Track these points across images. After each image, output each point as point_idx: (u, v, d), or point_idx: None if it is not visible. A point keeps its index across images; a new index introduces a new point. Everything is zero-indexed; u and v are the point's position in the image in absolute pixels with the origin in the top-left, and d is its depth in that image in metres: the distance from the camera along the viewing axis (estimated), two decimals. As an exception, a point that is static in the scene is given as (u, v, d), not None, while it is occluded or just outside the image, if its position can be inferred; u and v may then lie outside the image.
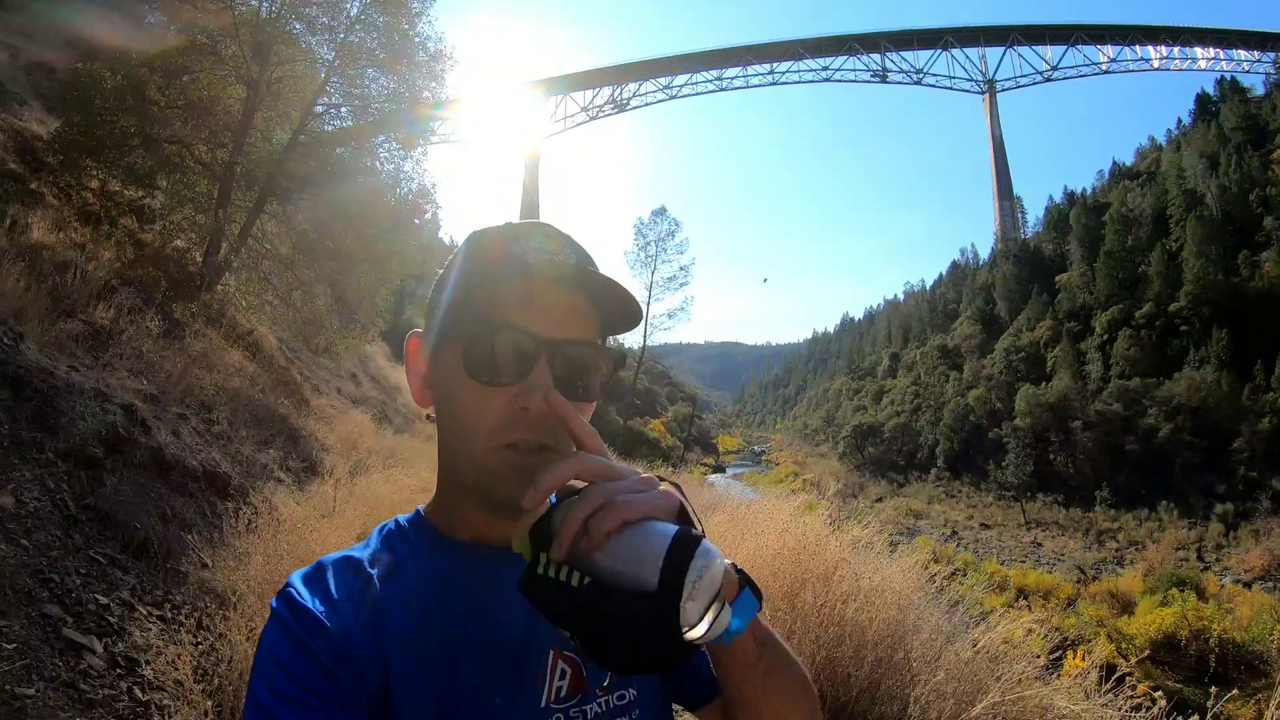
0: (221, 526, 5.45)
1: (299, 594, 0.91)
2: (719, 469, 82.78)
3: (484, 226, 1.06)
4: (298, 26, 13.30)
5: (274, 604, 0.91)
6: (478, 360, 0.93)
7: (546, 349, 0.93)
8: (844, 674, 3.96)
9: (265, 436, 9.15)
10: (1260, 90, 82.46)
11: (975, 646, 4.14)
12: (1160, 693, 4.29)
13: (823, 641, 4.00)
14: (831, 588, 4.30)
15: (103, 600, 4.12)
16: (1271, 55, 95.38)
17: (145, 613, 4.30)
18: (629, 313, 1.02)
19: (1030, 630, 4.51)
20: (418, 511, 1.06)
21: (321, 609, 0.90)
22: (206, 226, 12.35)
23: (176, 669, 3.61)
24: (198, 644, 4.03)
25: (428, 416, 28.90)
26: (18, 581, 3.73)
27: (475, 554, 1.00)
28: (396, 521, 1.05)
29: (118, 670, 3.77)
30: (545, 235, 1.02)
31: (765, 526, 5.26)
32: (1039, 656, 4.38)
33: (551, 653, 1.00)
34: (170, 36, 12.42)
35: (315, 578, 0.94)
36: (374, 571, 0.96)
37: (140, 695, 3.70)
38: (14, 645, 3.38)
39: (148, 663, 3.81)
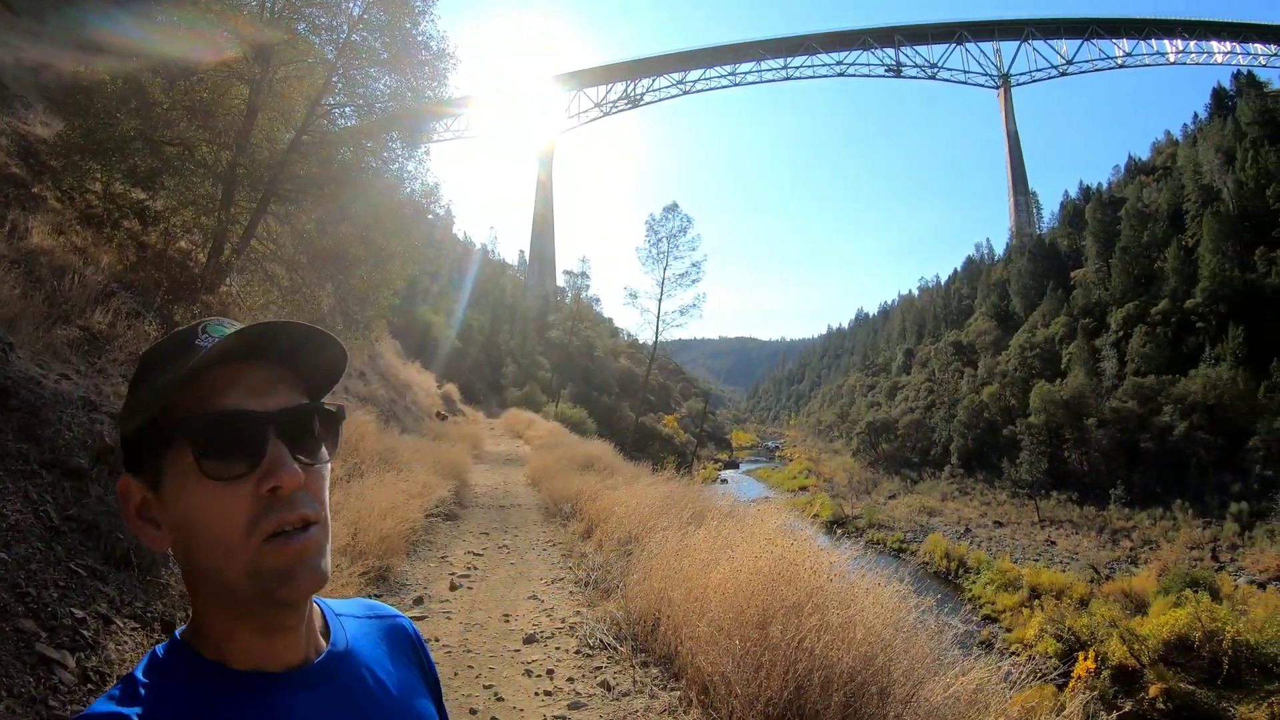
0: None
1: None
2: (732, 465, 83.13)
3: (155, 343, 1.00)
4: (300, 27, 13.31)
5: None
6: (212, 458, 0.87)
7: (270, 421, 0.90)
8: (812, 710, 3.92)
9: (261, 441, 9.15)
10: (1277, 84, 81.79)
11: (947, 690, 4.08)
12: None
13: (791, 674, 3.96)
14: (803, 619, 4.25)
15: (79, 614, 4.13)
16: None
17: (122, 625, 4.32)
18: (332, 360, 1.00)
19: (1008, 674, 4.45)
20: (175, 639, 0.94)
21: None
22: (210, 228, 12.37)
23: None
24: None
25: (438, 415, 29.04)
26: (-9, 596, 3.74)
27: (256, 685, 0.91)
28: (155, 657, 0.92)
29: (89, 685, 3.78)
30: (218, 324, 0.96)
31: (744, 548, 5.24)
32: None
33: None
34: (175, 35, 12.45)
35: None
36: None
37: (110, 711, 3.70)
38: (-17, 663, 3.40)
39: (119, 677, 3.81)
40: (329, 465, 0.98)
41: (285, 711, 0.91)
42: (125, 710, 0.83)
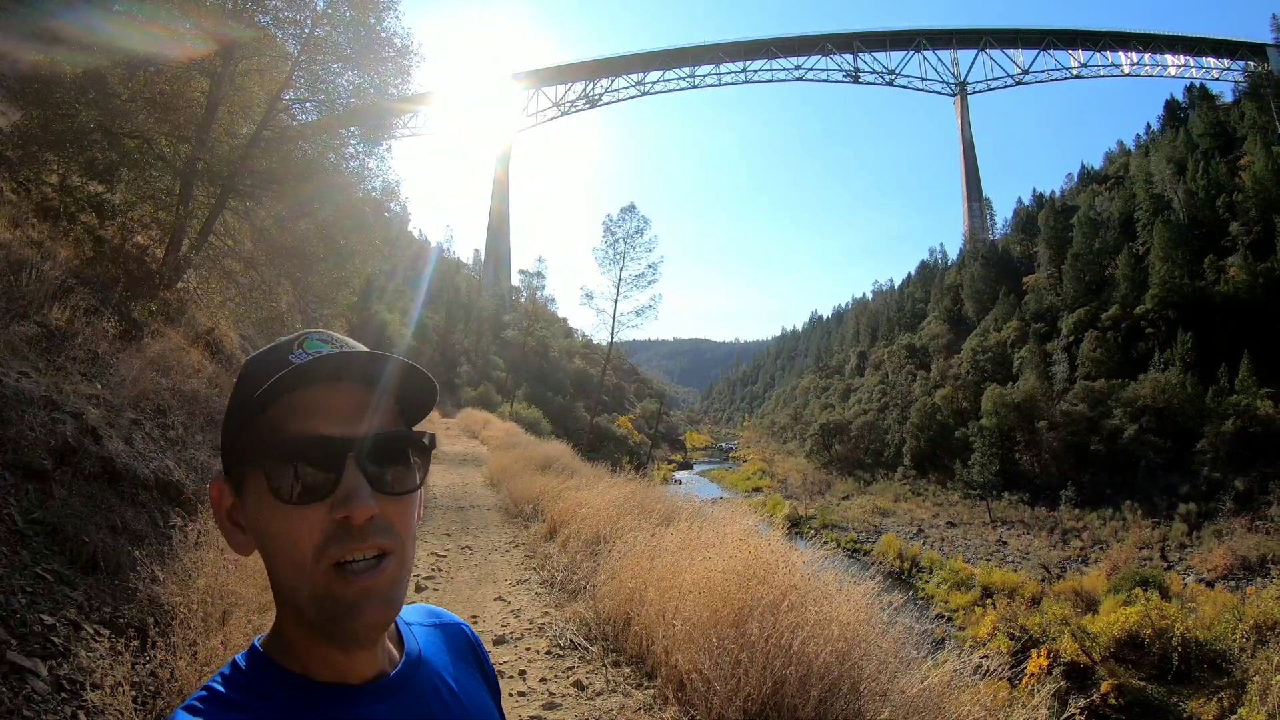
0: (172, 539, 5.38)
1: None
2: (686, 466, 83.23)
3: (257, 351, 0.99)
4: (263, 19, 13.13)
5: None
6: (284, 481, 0.87)
7: (351, 449, 0.89)
8: (790, 704, 3.97)
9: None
10: (1229, 98, 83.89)
11: (924, 682, 4.16)
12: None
13: (770, 670, 4.01)
14: (779, 617, 4.31)
15: (48, 620, 4.06)
16: (1241, 63, 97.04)
17: (92, 631, 4.25)
18: (423, 391, 0.99)
19: (979, 666, 4.53)
20: (254, 649, 0.96)
21: None
22: (168, 223, 12.18)
23: (116, 697, 3.56)
24: (145, 663, 3.99)
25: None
26: (-40, 604, 3.66)
27: (337, 697, 0.93)
28: (235, 666, 0.94)
29: (62, 694, 3.70)
30: (320, 339, 0.96)
31: (716, 548, 5.28)
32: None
33: None
34: (134, 26, 12.23)
35: None
36: None
37: (84, 720, 3.65)
38: (-47, 672, 3.33)
39: (93, 686, 3.75)
40: (417, 494, 0.97)
41: None
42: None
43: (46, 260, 8.73)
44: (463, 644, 1.18)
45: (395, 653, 1.03)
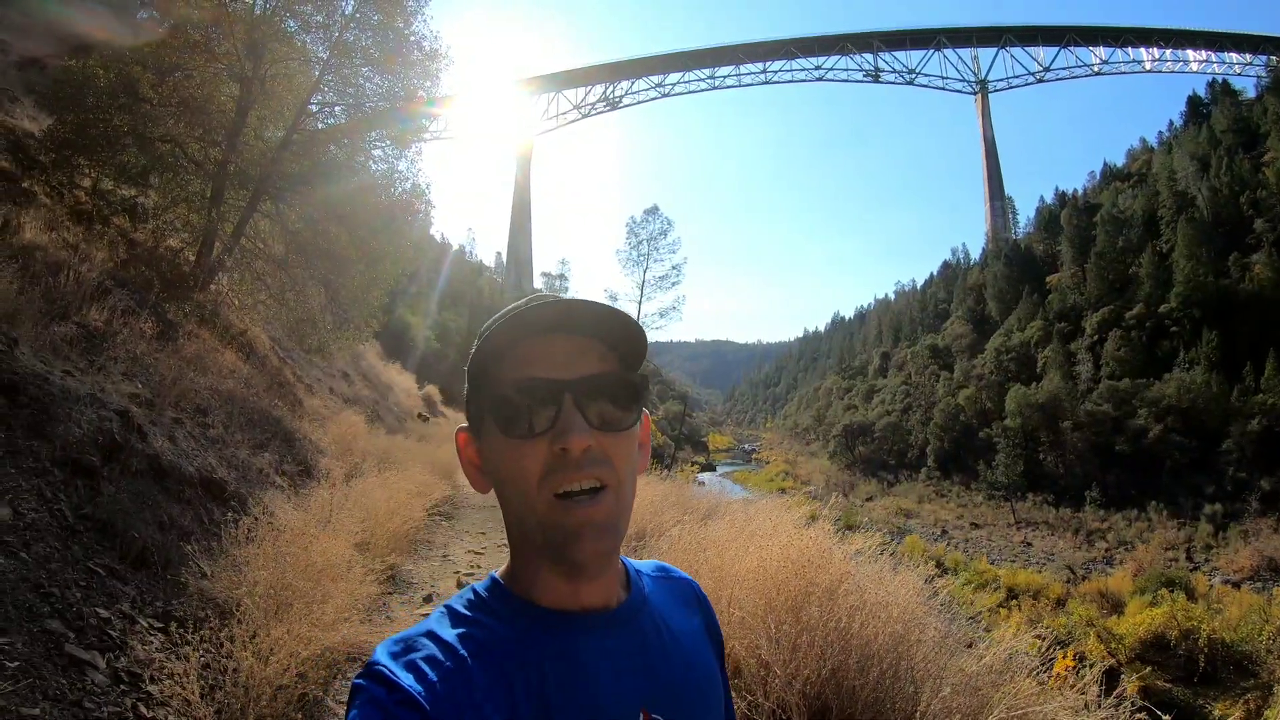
0: (220, 534, 5.43)
1: (391, 672, 0.90)
2: (710, 467, 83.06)
3: (490, 319, 1.09)
4: (291, 24, 13.22)
5: (362, 683, 0.90)
6: (511, 419, 0.99)
7: (568, 389, 0.99)
8: (849, 687, 3.97)
9: (260, 439, 9.09)
10: (1252, 93, 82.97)
11: (980, 661, 4.16)
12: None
13: (828, 655, 4.00)
14: (837, 601, 4.32)
15: (104, 614, 4.06)
16: (1264, 58, 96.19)
17: (146, 625, 4.26)
18: (633, 337, 1.06)
19: (1034, 643, 4.52)
20: (493, 578, 1.08)
21: (418, 689, 0.89)
22: (200, 226, 12.28)
23: (183, 687, 3.57)
24: (201, 655, 3.99)
25: (420, 416, 28.88)
26: (18, 596, 3.66)
27: (560, 622, 1.02)
28: (475, 591, 1.06)
29: (121, 686, 3.71)
30: (542, 300, 1.03)
31: (769, 538, 5.25)
32: (1045, 668, 4.41)
33: (641, 716, 1.01)
34: (162, 32, 12.33)
35: (405, 656, 0.94)
36: (464, 649, 0.95)
37: (145, 712, 3.64)
38: (16, 664, 3.32)
39: (152, 678, 3.77)
40: (633, 431, 1.06)
41: (583, 647, 1.01)
42: (442, 631, 0.98)
43: (83, 263, 8.80)
44: (690, 598, 1.26)
45: (622, 594, 1.11)
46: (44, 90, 12.77)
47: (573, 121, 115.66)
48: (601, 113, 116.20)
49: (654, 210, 48.10)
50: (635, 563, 1.21)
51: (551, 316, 1.01)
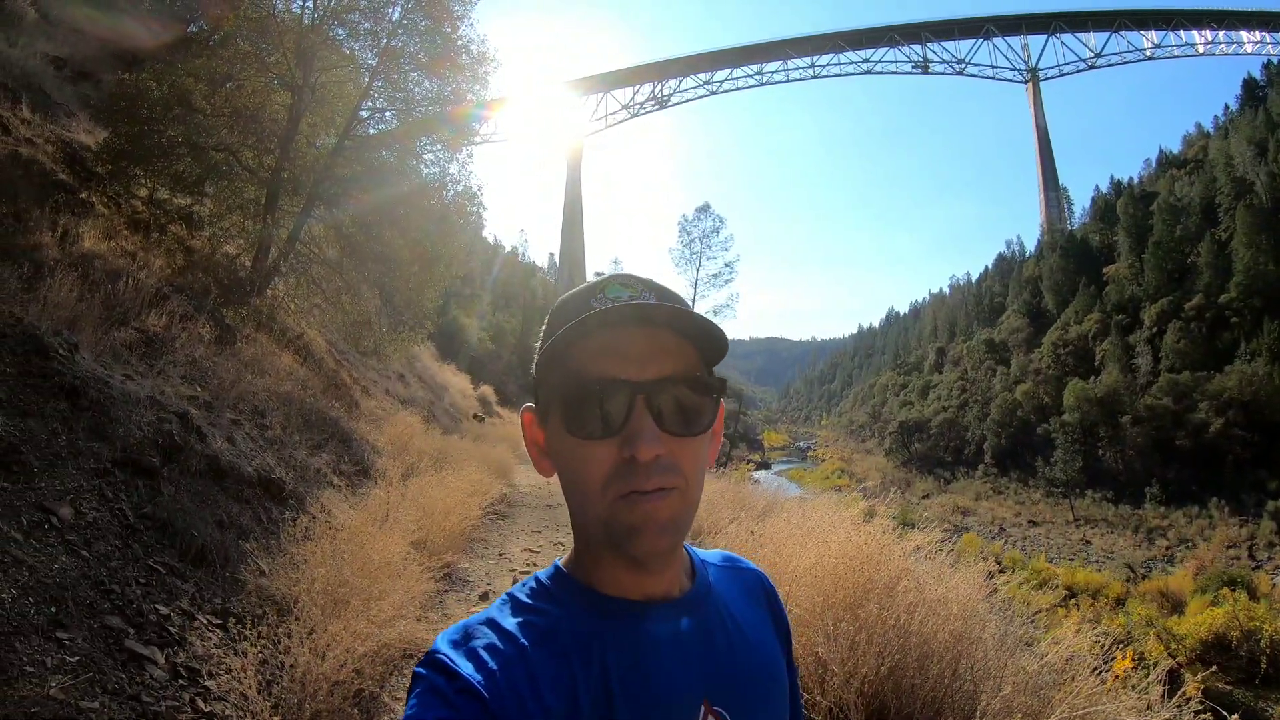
0: (278, 533, 5.50)
1: (451, 661, 0.90)
2: (765, 465, 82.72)
3: (568, 292, 1.08)
4: (340, 32, 13.37)
5: (423, 671, 0.90)
6: (578, 417, 0.95)
7: (641, 391, 0.94)
8: (908, 685, 3.92)
9: (318, 440, 9.20)
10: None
11: (1042, 660, 4.08)
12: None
13: (887, 653, 3.93)
14: (895, 598, 4.27)
15: (163, 610, 4.11)
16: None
17: (205, 621, 4.30)
18: (712, 336, 1.00)
19: (1095, 644, 4.40)
20: (556, 566, 1.07)
21: (478, 677, 0.88)
22: (255, 232, 12.46)
23: (240, 682, 3.59)
24: (258, 651, 4.02)
25: (475, 416, 29.10)
26: (79, 593, 3.71)
27: (623, 610, 1.01)
28: (538, 579, 1.05)
29: (180, 681, 3.75)
30: (621, 283, 1.03)
31: (826, 534, 5.18)
32: (1106, 667, 4.30)
33: (702, 707, 0.99)
34: (213, 44, 12.56)
35: (465, 644, 0.94)
36: (524, 637, 0.95)
37: (203, 706, 3.67)
38: (77, 658, 3.36)
39: (210, 674, 3.81)
40: (707, 434, 1.02)
41: (645, 636, 0.99)
42: (503, 620, 0.98)
43: (142, 270, 8.96)
44: (756, 588, 1.23)
45: (687, 583, 1.09)
46: (99, 104, 13.05)
47: (621, 121, 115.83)
48: (650, 112, 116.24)
49: (705, 208, 48.23)
50: (701, 552, 1.19)
51: (628, 311, 0.96)
